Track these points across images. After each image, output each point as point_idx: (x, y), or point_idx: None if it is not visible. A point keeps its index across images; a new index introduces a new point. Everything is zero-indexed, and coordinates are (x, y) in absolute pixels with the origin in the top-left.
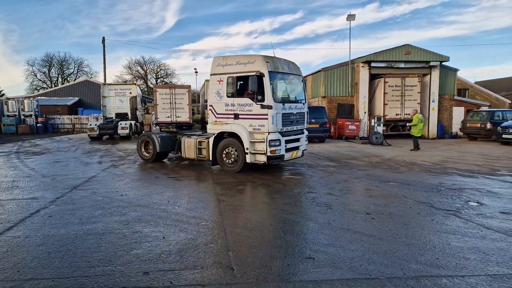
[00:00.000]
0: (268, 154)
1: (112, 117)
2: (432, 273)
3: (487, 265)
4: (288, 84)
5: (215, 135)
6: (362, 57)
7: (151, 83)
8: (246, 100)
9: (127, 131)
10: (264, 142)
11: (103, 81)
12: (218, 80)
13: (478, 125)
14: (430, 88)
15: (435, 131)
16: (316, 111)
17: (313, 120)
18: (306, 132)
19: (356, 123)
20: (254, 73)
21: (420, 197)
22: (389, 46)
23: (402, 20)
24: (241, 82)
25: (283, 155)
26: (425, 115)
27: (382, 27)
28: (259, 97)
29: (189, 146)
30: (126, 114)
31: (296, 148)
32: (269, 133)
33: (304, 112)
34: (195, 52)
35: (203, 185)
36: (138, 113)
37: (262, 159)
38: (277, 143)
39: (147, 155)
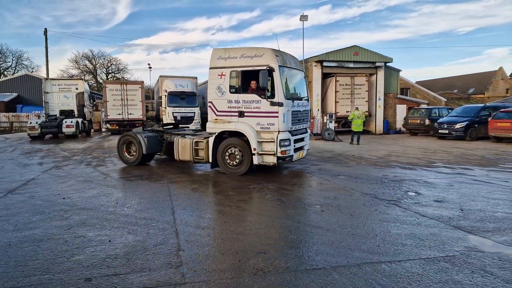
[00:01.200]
0: (279, 154)
1: (55, 115)
2: (373, 259)
3: (421, 249)
4: (294, 80)
5: (216, 134)
6: (315, 56)
7: (101, 79)
8: (253, 97)
9: (73, 129)
10: (273, 142)
11: (45, 76)
12: (219, 75)
13: (418, 121)
14: (376, 87)
15: (381, 127)
16: None
17: None
18: (309, 131)
19: (310, 120)
20: (263, 67)
21: (365, 189)
22: (341, 47)
23: (353, 23)
24: (246, 77)
25: (292, 155)
26: (372, 112)
27: (335, 28)
28: (268, 94)
29: (183, 147)
30: (72, 111)
31: (302, 148)
32: (279, 132)
33: (308, 110)
34: (149, 47)
35: (155, 185)
36: (85, 110)
37: (272, 160)
38: (287, 143)
39: (130, 157)
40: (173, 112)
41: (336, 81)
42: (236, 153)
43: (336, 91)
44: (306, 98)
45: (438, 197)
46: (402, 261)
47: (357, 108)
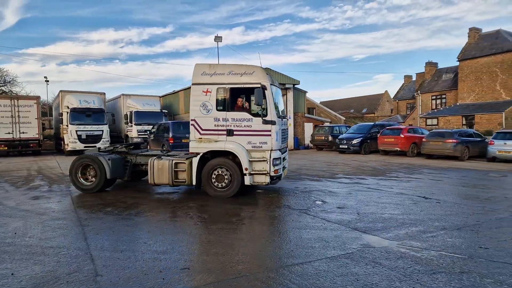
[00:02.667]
0: (272, 174)
1: None
2: (288, 263)
3: (327, 250)
4: (278, 98)
5: (200, 155)
6: None
7: None
8: (244, 115)
9: None
10: (264, 161)
11: None
12: (203, 91)
13: (323, 137)
14: (286, 106)
15: (293, 143)
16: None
17: (187, 135)
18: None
19: None
20: (255, 85)
21: (280, 201)
22: None
23: (264, 45)
24: (234, 95)
25: (281, 174)
26: None
27: (248, 49)
28: (260, 112)
29: (161, 169)
30: None
31: (284, 167)
32: (271, 150)
33: (287, 128)
34: (45, 57)
35: (58, 208)
36: None
37: (264, 180)
38: (279, 162)
39: (88, 183)
40: (77, 130)
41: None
42: (225, 174)
43: None
44: (286, 116)
45: (339, 204)
46: (312, 261)
47: None
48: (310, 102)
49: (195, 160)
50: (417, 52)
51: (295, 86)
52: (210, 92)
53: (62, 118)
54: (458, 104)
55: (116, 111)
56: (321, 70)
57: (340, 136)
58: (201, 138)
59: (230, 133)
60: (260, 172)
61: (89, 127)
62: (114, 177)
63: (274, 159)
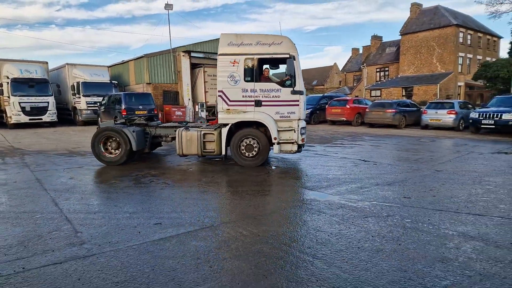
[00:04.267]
0: (299, 142)
1: None
2: (247, 215)
3: (281, 203)
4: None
5: (229, 125)
6: (182, 46)
7: None
8: (272, 85)
9: None
10: (291, 130)
11: None
12: (231, 62)
13: None
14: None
15: None
16: (143, 98)
17: (140, 107)
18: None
19: (182, 109)
20: (283, 55)
21: (242, 168)
22: (206, 37)
23: (215, 13)
24: (262, 65)
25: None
26: None
27: (199, 17)
28: (287, 82)
29: (189, 140)
30: None
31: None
32: (299, 120)
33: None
34: None
35: (19, 178)
36: None
37: (292, 148)
38: (304, 131)
39: (111, 156)
40: (20, 102)
41: (204, 71)
42: (254, 144)
43: (205, 81)
44: None
45: (290, 168)
46: (270, 213)
47: None
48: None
49: (224, 131)
50: (366, 25)
51: None
52: (238, 62)
53: (2, 89)
54: (399, 76)
55: (61, 82)
56: None
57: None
58: (229, 109)
59: (258, 103)
60: (287, 141)
61: (33, 99)
62: (139, 149)
63: (302, 128)
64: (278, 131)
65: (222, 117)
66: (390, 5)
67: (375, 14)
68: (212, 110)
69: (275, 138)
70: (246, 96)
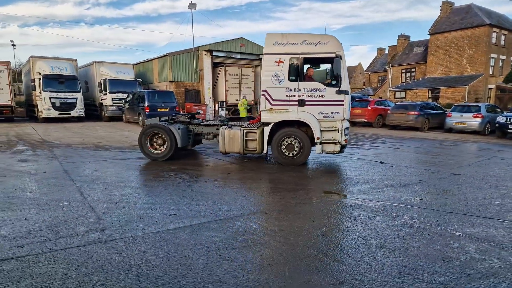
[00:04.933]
0: (342, 143)
1: None
2: (258, 210)
3: (298, 200)
4: None
5: (272, 124)
6: (205, 45)
7: None
8: (317, 85)
9: None
10: (334, 130)
11: None
12: (276, 61)
13: None
14: (261, 77)
15: None
16: (166, 96)
17: (163, 104)
18: None
19: (203, 107)
20: (329, 55)
21: (264, 164)
22: (229, 36)
23: (239, 11)
24: (307, 64)
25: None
26: (258, 101)
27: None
28: (333, 82)
29: (232, 138)
30: None
31: None
32: (343, 120)
33: None
34: (4, 18)
35: (49, 169)
36: None
37: (334, 148)
38: (348, 131)
39: (157, 152)
40: (50, 98)
41: (225, 70)
42: (295, 143)
43: (226, 80)
44: None
45: (308, 169)
46: (274, 209)
47: (244, 97)
48: None
49: (267, 130)
50: (394, 24)
51: None
52: (283, 62)
53: (34, 85)
54: (425, 77)
55: (89, 79)
56: None
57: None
58: (271, 109)
59: (301, 103)
60: (330, 141)
61: (62, 95)
62: (183, 146)
63: (345, 128)
64: (321, 131)
65: (264, 116)
66: (421, 2)
67: (405, 12)
68: (232, 109)
69: (317, 138)
70: (289, 95)
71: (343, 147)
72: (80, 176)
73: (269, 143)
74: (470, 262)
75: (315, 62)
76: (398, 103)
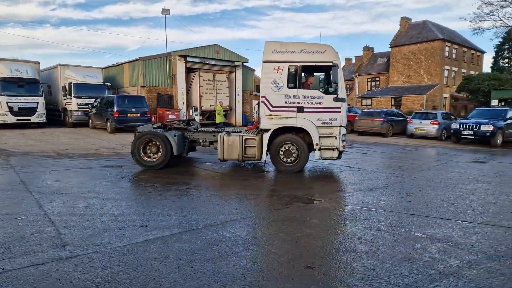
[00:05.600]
0: (340, 149)
1: None
2: (231, 218)
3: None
4: None
5: (271, 131)
6: (179, 51)
7: None
8: (315, 92)
9: None
10: (332, 136)
11: None
12: (275, 69)
13: None
14: (235, 84)
15: (241, 120)
16: (136, 101)
17: (133, 110)
18: None
19: (176, 113)
20: (326, 63)
21: (227, 170)
22: (203, 42)
23: (214, 18)
24: (306, 72)
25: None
26: (232, 106)
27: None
28: (330, 90)
29: (231, 145)
30: None
31: None
32: (341, 126)
33: None
34: None
35: (3, 180)
36: None
37: (332, 155)
38: (345, 137)
39: (151, 160)
40: (8, 102)
41: (200, 76)
42: (293, 150)
43: (200, 86)
44: None
45: (280, 174)
46: (259, 214)
47: (220, 103)
48: (259, 80)
49: (266, 136)
50: (360, 35)
51: (244, 64)
52: (282, 69)
53: None
54: (389, 86)
55: (53, 82)
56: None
57: None
58: (271, 115)
59: (300, 110)
60: (328, 148)
61: (22, 99)
62: (178, 153)
63: (343, 134)
64: (319, 137)
65: (264, 123)
66: (383, 17)
67: (369, 25)
68: (206, 114)
69: (316, 144)
70: (288, 102)
71: (340, 153)
72: (39, 187)
73: (268, 149)
74: (432, 263)
75: (313, 70)
76: (365, 110)
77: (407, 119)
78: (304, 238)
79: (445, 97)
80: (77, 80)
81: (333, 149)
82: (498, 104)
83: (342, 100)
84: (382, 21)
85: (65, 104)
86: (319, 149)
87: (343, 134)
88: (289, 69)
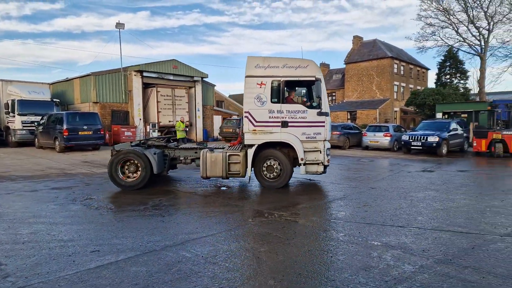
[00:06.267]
0: (325, 163)
1: None
2: (191, 237)
3: (220, 226)
4: None
5: (256, 146)
6: (135, 66)
7: None
8: (299, 107)
9: None
10: (317, 151)
11: None
12: (258, 84)
13: (231, 130)
14: (195, 99)
15: (201, 135)
16: (89, 117)
17: (85, 127)
18: None
19: (132, 129)
20: (309, 78)
21: (211, 188)
22: (161, 57)
23: (172, 33)
24: (289, 87)
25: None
26: (192, 122)
27: (154, 36)
28: (314, 104)
29: (214, 162)
30: None
31: None
32: (325, 140)
33: None
34: None
35: None
36: None
37: (317, 169)
38: (329, 152)
39: (129, 180)
40: None
41: (157, 91)
42: (275, 165)
43: (158, 101)
44: None
45: (238, 188)
46: (205, 237)
47: (181, 120)
48: (219, 95)
49: (251, 152)
50: (316, 52)
51: (204, 79)
52: (265, 84)
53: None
54: (344, 101)
55: None
56: (230, 64)
57: None
58: (255, 130)
59: (284, 124)
60: (313, 162)
61: None
62: (158, 172)
63: (327, 148)
64: (304, 151)
65: (248, 138)
66: (337, 35)
67: (324, 43)
68: (164, 131)
69: (301, 159)
70: (272, 117)
71: (325, 167)
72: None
73: (252, 165)
74: (387, 269)
75: (296, 85)
76: None
77: (362, 132)
78: (265, 253)
79: (396, 111)
80: (21, 96)
81: (318, 164)
82: (442, 116)
83: (326, 114)
84: (336, 39)
85: (8, 122)
86: (304, 164)
87: (327, 148)
88: (272, 84)
